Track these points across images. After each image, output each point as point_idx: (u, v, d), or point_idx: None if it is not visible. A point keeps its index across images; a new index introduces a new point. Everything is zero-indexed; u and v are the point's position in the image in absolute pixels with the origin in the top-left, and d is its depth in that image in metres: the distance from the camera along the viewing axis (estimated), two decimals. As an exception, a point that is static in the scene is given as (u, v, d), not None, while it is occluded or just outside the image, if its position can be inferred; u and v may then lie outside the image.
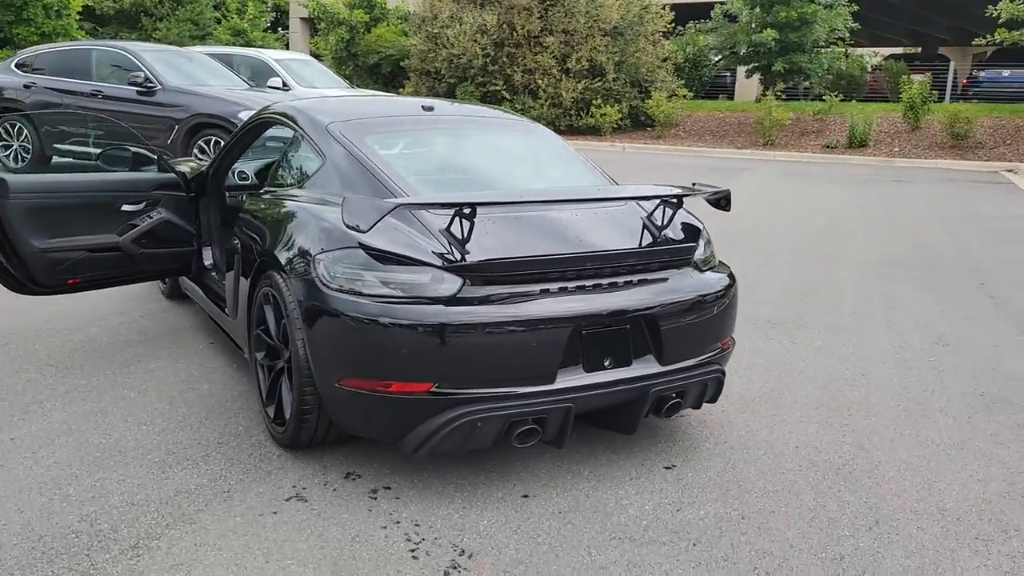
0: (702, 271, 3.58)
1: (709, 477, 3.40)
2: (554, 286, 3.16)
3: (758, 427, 3.88)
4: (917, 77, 24.67)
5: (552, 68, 20.91)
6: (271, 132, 4.76)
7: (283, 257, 3.39)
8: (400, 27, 25.54)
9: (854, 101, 22.29)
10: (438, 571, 2.72)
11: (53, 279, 4.43)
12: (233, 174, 5.11)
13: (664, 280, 3.40)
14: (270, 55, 14.16)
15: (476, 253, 3.09)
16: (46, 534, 2.89)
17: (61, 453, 3.49)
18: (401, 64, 23.78)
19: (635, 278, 3.32)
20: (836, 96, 20.33)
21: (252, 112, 10.05)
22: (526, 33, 20.81)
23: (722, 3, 21.23)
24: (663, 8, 22.03)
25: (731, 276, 3.69)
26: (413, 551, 2.84)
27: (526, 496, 3.22)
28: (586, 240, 3.31)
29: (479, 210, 3.07)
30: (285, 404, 3.51)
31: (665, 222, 3.52)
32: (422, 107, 4.38)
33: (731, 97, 26.45)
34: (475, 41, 20.94)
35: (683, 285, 3.43)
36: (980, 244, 8.83)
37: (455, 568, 2.74)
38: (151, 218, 4.69)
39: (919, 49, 35.18)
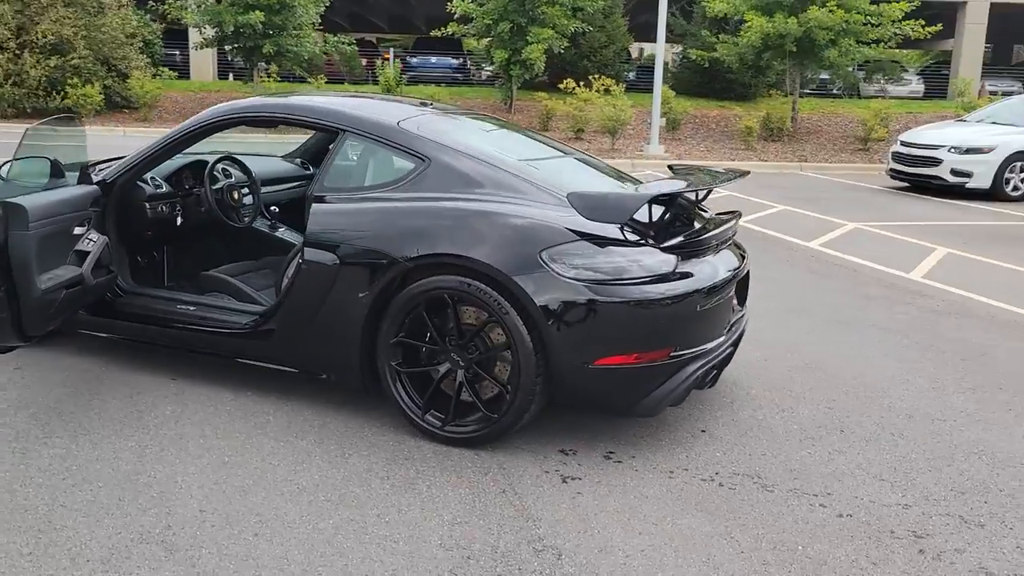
0: None
1: (782, 395, 4.46)
2: (714, 255, 3.87)
3: (740, 359, 4.97)
4: (363, 61, 27.15)
5: (9, 41, 18.15)
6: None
7: (489, 258, 3.43)
8: None
9: (345, 83, 23.73)
10: (744, 489, 3.36)
11: (45, 326, 3.51)
12: (147, 183, 4.38)
13: (735, 245, 4.32)
14: None
15: (676, 233, 3.67)
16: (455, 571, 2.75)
17: (288, 510, 3.07)
18: None
19: (734, 245, 4.19)
20: (321, 79, 21.50)
21: None
22: (-31, -1, 17.64)
23: (198, -20, 20.66)
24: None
25: None
26: (722, 485, 3.40)
27: (704, 430, 3.92)
28: (713, 216, 4.07)
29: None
30: (476, 402, 3.58)
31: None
32: (421, 103, 4.48)
33: (184, 76, 25.85)
34: (-102, 4, 17.06)
35: (741, 248, 4.39)
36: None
37: (765, 487, 3.40)
38: (93, 241, 3.90)
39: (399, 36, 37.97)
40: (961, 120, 14.77)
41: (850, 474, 3.52)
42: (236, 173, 4.86)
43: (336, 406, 3.96)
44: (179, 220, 4.47)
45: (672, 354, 3.52)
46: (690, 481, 3.41)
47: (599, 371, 3.44)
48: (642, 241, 3.55)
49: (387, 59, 25.97)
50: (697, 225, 3.87)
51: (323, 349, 3.81)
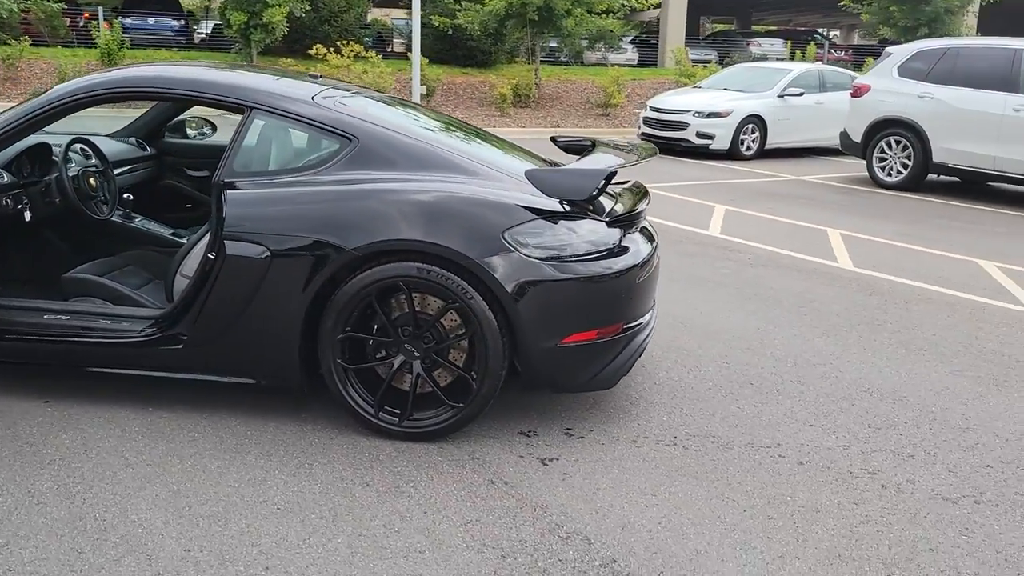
0: None
1: (681, 355, 4.68)
2: (637, 229, 3.94)
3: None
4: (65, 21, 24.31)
5: None
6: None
7: (451, 242, 3.26)
8: None
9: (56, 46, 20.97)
10: (708, 449, 3.54)
11: None
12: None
13: None
14: None
15: (608, 208, 3.70)
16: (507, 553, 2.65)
17: (285, 535, 2.77)
18: None
19: None
20: (25, 41, 18.98)
21: None
22: None
23: None
24: None
25: None
26: (686, 448, 3.53)
27: (638, 396, 4.04)
28: (624, 191, 4.13)
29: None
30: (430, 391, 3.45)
31: None
32: (311, 76, 4.14)
33: None
34: None
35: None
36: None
37: (723, 445, 3.58)
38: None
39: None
40: (697, 87, 16.12)
41: (783, 423, 3.80)
42: (78, 158, 4.19)
43: (260, 412, 3.62)
44: (28, 215, 3.78)
45: (624, 327, 3.58)
46: (656, 448, 3.50)
47: (565, 350, 3.41)
48: (589, 217, 3.54)
49: (90, 18, 23.42)
50: (623, 200, 3.92)
51: (254, 352, 3.44)
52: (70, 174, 3.92)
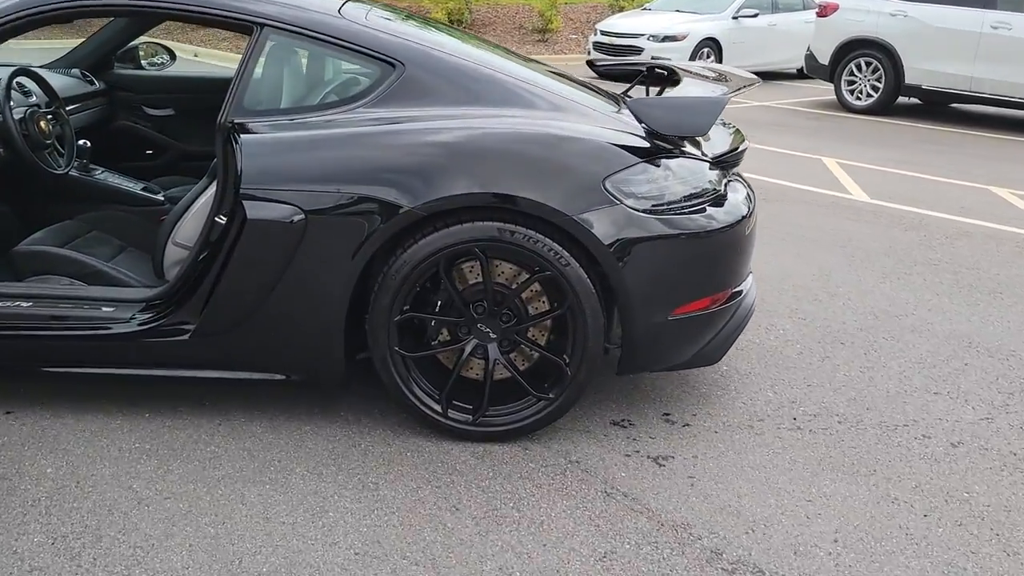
0: None
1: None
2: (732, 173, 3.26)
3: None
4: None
5: None
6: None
7: (542, 195, 2.55)
8: None
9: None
10: (837, 432, 2.98)
11: None
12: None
13: None
14: None
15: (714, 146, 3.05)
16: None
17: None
18: None
19: None
20: None
21: None
22: None
23: None
24: None
25: None
26: (813, 431, 2.95)
27: (725, 368, 3.45)
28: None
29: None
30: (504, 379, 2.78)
31: None
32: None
33: None
34: None
35: None
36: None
37: (853, 426, 3.02)
38: None
39: None
40: (647, 9, 15.35)
41: (904, 393, 3.26)
42: (18, 95, 3.28)
43: (286, 412, 2.90)
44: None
45: (732, 291, 2.95)
46: (779, 435, 2.92)
47: (676, 323, 2.77)
48: (688, 156, 2.86)
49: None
50: (721, 138, 3.22)
51: (284, 340, 2.69)
52: (15, 117, 3.02)
